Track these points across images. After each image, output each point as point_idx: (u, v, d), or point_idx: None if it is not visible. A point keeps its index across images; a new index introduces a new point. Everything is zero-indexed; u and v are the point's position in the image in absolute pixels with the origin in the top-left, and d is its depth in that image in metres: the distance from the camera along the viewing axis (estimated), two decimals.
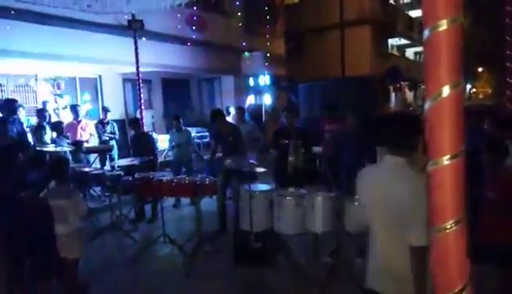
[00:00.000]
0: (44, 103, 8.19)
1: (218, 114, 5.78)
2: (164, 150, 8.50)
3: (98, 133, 8.11)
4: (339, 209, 4.16)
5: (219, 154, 5.87)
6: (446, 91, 1.11)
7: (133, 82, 9.64)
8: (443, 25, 1.11)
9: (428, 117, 1.14)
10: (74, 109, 7.81)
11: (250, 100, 12.36)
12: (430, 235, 1.18)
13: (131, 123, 6.93)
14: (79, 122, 7.70)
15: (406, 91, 22.24)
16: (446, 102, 1.12)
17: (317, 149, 5.95)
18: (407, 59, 27.03)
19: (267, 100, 12.38)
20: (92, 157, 7.58)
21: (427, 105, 1.13)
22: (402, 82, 17.48)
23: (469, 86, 41.11)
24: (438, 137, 1.13)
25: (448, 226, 1.14)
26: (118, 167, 6.14)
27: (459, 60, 1.13)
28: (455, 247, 1.16)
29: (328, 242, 4.36)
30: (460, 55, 1.12)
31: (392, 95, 16.61)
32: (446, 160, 1.13)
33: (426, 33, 1.13)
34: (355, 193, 4.11)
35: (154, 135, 7.77)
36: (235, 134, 5.67)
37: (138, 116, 8.42)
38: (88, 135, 7.77)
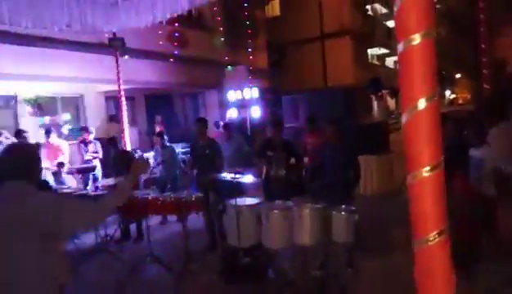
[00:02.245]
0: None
1: (201, 121, 5.81)
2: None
3: (80, 153, 7.97)
4: (326, 220, 4.17)
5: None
6: (421, 103, 1.13)
7: (116, 100, 9.56)
8: (416, 39, 1.13)
9: (405, 130, 1.15)
10: (48, 130, 7.65)
11: (232, 113, 12.35)
12: (414, 248, 1.19)
13: (109, 143, 6.82)
14: (53, 143, 7.53)
15: (388, 98, 22.64)
16: (422, 114, 1.13)
17: (304, 160, 5.98)
18: (387, 67, 27.61)
19: (253, 113, 12.40)
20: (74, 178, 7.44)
21: (403, 119, 1.15)
22: (384, 91, 17.79)
23: (448, 92, 42.13)
24: (416, 149, 1.14)
25: (431, 238, 1.14)
26: (101, 186, 6.03)
27: (433, 73, 1.15)
28: (439, 258, 1.16)
29: (316, 255, 4.34)
30: (434, 67, 1.14)
31: (375, 103, 16.87)
32: (425, 172, 1.14)
33: (400, 47, 1.15)
34: (340, 204, 4.17)
35: (138, 154, 7.66)
36: (212, 148, 5.67)
37: (123, 133, 8.30)
38: (66, 156, 7.58)
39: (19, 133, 7.05)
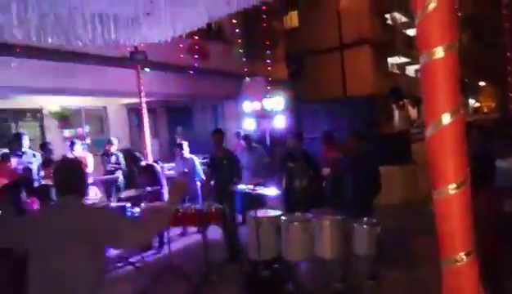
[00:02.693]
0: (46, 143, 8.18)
1: (218, 132, 5.83)
2: (172, 178, 8.47)
3: (103, 164, 8.12)
4: (347, 233, 4.10)
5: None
6: (446, 118, 1.09)
7: (138, 112, 9.74)
8: (439, 53, 1.10)
9: (429, 145, 1.11)
10: (72, 143, 7.82)
11: (251, 124, 12.36)
12: (442, 267, 1.14)
13: (130, 160, 6.91)
14: (77, 156, 7.69)
15: (410, 108, 22.27)
16: (447, 130, 1.10)
17: (325, 171, 5.93)
18: (408, 76, 27.18)
19: (273, 124, 12.36)
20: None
21: (427, 133, 1.11)
22: (405, 100, 17.52)
23: (472, 101, 41.12)
24: (442, 166, 1.10)
25: (459, 258, 1.10)
26: (124, 197, 6.11)
27: (457, 86, 1.12)
28: (467, 279, 1.11)
29: (337, 267, 4.26)
30: (458, 80, 1.11)
31: (396, 112, 16.62)
32: (451, 189, 1.10)
33: (422, 60, 1.12)
34: (361, 216, 4.09)
35: (160, 165, 7.73)
36: (230, 159, 5.68)
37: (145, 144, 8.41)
38: (90, 168, 7.72)
39: (45, 146, 7.26)
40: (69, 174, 2.21)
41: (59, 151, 7.98)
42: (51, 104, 9.84)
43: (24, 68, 7.49)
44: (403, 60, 25.67)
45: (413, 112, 23.22)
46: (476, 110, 38.97)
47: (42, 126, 9.84)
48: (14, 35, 4.12)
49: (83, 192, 2.27)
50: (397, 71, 26.26)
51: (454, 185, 1.09)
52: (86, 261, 2.01)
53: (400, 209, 7.51)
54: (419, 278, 4.40)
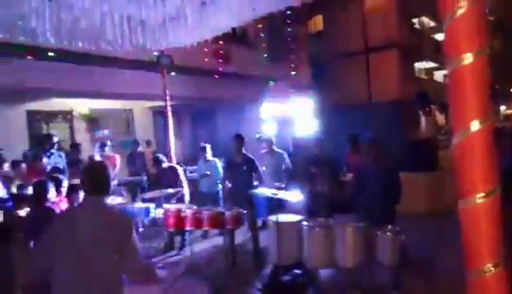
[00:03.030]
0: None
1: (238, 138, 5.87)
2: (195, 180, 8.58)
3: (129, 166, 8.30)
4: (370, 240, 4.02)
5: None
6: (475, 125, 1.07)
7: (163, 115, 9.92)
8: (468, 58, 1.07)
9: (456, 153, 1.08)
10: (102, 144, 8.04)
11: (273, 128, 12.36)
12: (468, 279, 1.10)
13: (155, 163, 7.02)
14: (107, 157, 7.90)
15: (437, 114, 21.71)
16: (475, 137, 1.07)
17: (349, 177, 5.86)
18: (436, 82, 26.52)
19: (298, 128, 12.32)
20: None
21: (455, 141, 1.08)
22: (432, 106, 17.10)
23: (503, 107, 39.68)
24: (469, 174, 1.07)
25: (486, 269, 1.06)
26: (148, 198, 6.23)
27: (487, 93, 1.09)
28: (494, 292, 1.07)
29: (359, 275, 4.19)
30: (488, 87, 1.08)
31: (423, 118, 16.24)
32: (479, 198, 1.06)
33: (450, 66, 1.09)
34: (383, 223, 4.01)
35: (182, 167, 7.83)
36: (249, 164, 5.72)
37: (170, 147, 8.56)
38: (116, 169, 7.91)
39: (75, 146, 7.49)
40: (97, 175, 2.31)
41: (87, 152, 8.22)
42: (81, 106, 10.16)
43: (55, 71, 7.77)
44: (431, 65, 25.06)
45: (440, 118, 22.63)
46: (507, 117, 37.59)
47: (71, 128, 10.16)
48: (47, 39, 4.28)
49: (108, 192, 2.37)
50: (425, 76, 25.65)
51: (482, 194, 1.06)
52: (110, 263, 2.13)
53: (426, 217, 7.32)
54: (443, 288, 4.27)
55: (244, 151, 5.86)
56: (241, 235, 5.73)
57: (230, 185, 6.03)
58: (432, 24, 24.52)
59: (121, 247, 2.18)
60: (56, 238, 2.16)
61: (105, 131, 10.57)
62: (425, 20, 23.99)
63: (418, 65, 23.81)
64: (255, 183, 5.68)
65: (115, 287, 2.17)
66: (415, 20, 22.67)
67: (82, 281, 2.06)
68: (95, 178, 2.30)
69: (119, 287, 2.19)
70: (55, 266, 2.10)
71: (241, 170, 5.68)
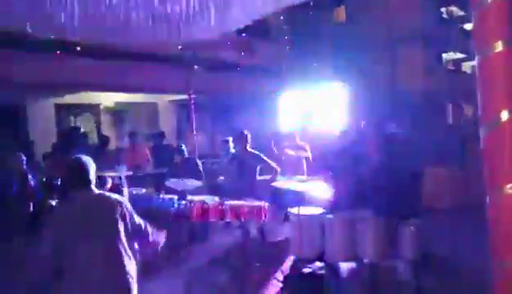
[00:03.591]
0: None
1: (241, 136, 5.98)
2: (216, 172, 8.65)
3: (154, 158, 8.44)
4: (392, 234, 3.97)
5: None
6: (504, 116, 1.04)
7: (186, 108, 10.04)
8: (498, 47, 1.04)
9: (484, 144, 1.06)
10: (132, 135, 8.22)
11: (296, 121, 12.27)
12: (496, 270, 1.08)
13: (177, 151, 7.13)
14: (136, 147, 8.07)
15: (464, 106, 21.08)
16: (505, 128, 1.04)
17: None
18: (464, 73, 25.69)
19: (320, 121, 12.14)
20: None
21: (482, 133, 1.06)
22: (460, 99, 16.62)
23: None
24: (498, 166, 1.05)
25: None
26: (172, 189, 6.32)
27: None
28: None
29: (380, 270, 4.15)
30: None
31: (450, 110, 15.82)
32: (509, 189, 1.04)
33: (478, 55, 1.07)
34: (405, 218, 3.94)
35: (202, 160, 7.91)
36: (256, 159, 5.81)
37: (192, 140, 8.66)
38: (145, 160, 8.07)
39: (102, 138, 7.69)
40: (80, 170, 2.50)
41: (112, 143, 8.42)
42: (107, 99, 10.40)
43: (82, 65, 7.99)
44: (459, 55, 24.26)
45: (468, 110, 21.97)
46: None
47: (98, 121, 10.44)
48: (74, 34, 4.40)
49: (92, 183, 2.52)
50: (453, 67, 24.88)
51: (511, 185, 1.03)
52: (115, 241, 2.43)
53: (451, 213, 7.16)
54: (467, 286, 4.18)
55: (248, 147, 5.93)
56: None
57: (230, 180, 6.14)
58: (461, 13, 23.68)
59: (125, 223, 2.46)
60: (63, 229, 2.40)
61: (130, 124, 10.80)
62: (454, 9, 23.18)
63: (445, 56, 23.10)
64: (268, 176, 5.78)
65: (123, 262, 2.43)
66: (442, 10, 21.95)
67: (93, 262, 2.33)
68: (78, 173, 2.47)
69: (128, 262, 2.45)
70: (67, 254, 2.35)
71: (244, 166, 5.77)
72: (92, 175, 2.53)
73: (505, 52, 1.05)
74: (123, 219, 2.47)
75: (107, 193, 2.64)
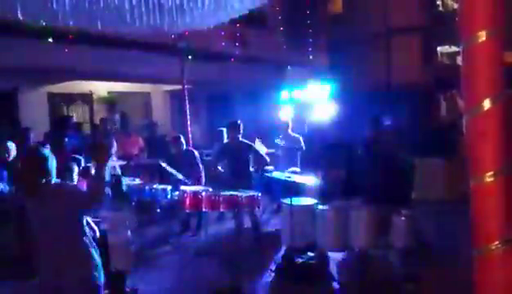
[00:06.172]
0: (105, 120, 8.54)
1: (232, 125, 5.99)
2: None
3: (147, 148, 8.40)
4: (384, 224, 4.03)
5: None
6: (486, 104, 1.06)
7: (180, 98, 9.99)
8: (481, 37, 1.06)
9: (467, 132, 1.08)
10: (124, 121, 8.15)
11: (289, 113, 12.27)
12: (474, 258, 1.11)
13: (173, 142, 7.05)
14: (129, 135, 8.02)
15: (458, 99, 21.20)
16: (487, 116, 1.06)
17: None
18: (458, 66, 25.79)
19: (315, 112, 12.15)
20: None
21: (465, 119, 1.08)
22: (454, 91, 16.69)
23: None
24: (480, 152, 1.07)
25: (493, 247, 1.06)
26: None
27: (500, 72, 1.07)
28: (502, 270, 1.07)
29: (372, 259, 4.21)
30: (501, 66, 1.06)
31: (444, 104, 15.89)
32: (489, 177, 1.06)
33: (463, 45, 1.08)
34: (397, 208, 3.98)
35: (198, 151, 7.89)
36: (247, 149, 5.84)
37: (187, 130, 8.62)
38: (140, 150, 8.01)
39: (96, 127, 7.64)
40: (37, 162, 2.54)
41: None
42: (100, 89, 10.32)
43: (75, 53, 7.90)
44: (454, 49, 24.31)
45: (461, 103, 22.12)
46: None
47: (91, 110, 10.36)
48: (67, 21, 4.36)
49: (50, 174, 2.56)
50: (447, 60, 24.94)
51: (491, 173, 1.06)
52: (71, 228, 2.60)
53: (445, 204, 7.23)
54: (461, 277, 4.23)
55: (240, 137, 5.94)
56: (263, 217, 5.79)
57: (221, 170, 6.16)
58: (456, 6, 23.66)
59: (80, 210, 2.62)
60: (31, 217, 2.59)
61: (116, 116, 10.67)
62: (449, 2, 23.16)
63: (440, 49, 23.14)
64: (259, 167, 5.81)
65: (78, 245, 2.57)
66: (438, 2, 21.92)
67: (53, 247, 2.52)
68: (36, 165, 2.51)
69: (82, 244, 2.59)
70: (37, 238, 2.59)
71: (237, 156, 5.79)
72: (51, 167, 2.57)
73: (489, 42, 1.06)
74: (78, 205, 2.57)
75: (64, 183, 2.75)
